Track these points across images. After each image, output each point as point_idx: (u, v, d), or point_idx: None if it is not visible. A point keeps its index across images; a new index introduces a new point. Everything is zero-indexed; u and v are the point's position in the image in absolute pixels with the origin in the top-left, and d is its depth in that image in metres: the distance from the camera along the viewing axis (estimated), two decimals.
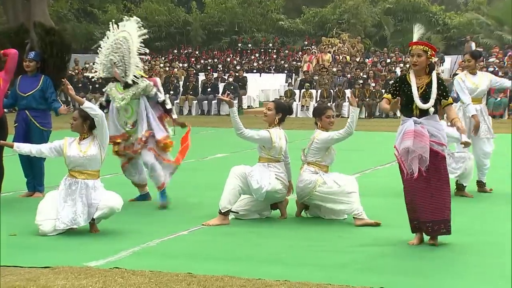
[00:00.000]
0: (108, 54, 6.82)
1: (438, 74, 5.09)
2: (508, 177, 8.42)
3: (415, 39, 5.16)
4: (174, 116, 7.10)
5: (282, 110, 6.16)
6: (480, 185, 7.71)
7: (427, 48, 5.07)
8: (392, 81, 5.37)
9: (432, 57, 5.09)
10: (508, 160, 9.67)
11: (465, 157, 7.41)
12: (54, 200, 5.55)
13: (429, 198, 5.03)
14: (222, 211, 5.94)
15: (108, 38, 6.93)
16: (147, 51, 7.05)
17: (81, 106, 5.62)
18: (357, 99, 20.94)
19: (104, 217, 5.53)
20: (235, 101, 22.06)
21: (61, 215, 5.44)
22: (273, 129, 6.08)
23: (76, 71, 25.10)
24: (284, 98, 21.79)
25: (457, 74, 22.08)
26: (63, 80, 6.02)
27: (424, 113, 5.04)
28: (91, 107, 5.62)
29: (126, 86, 6.84)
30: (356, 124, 5.96)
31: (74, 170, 5.57)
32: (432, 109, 5.03)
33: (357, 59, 25.03)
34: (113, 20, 7.15)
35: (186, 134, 7.26)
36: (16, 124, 7.27)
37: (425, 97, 5.03)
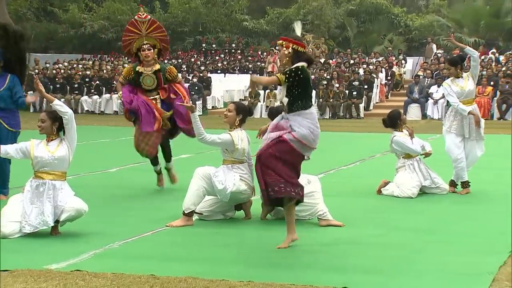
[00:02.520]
0: None
1: (293, 67, 5.01)
2: (488, 177, 8.57)
3: (297, 33, 5.38)
4: None
5: (242, 112, 6.17)
6: (452, 184, 7.83)
7: (282, 41, 5.17)
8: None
9: (287, 48, 5.06)
10: (490, 161, 9.81)
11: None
12: (18, 203, 5.44)
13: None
14: (186, 212, 5.91)
15: None
16: None
17: (51, 104, 5.53)
18: (320, 99, 21.18)
19: (71, 219, 5.45)
20: (199, 102, 22.02)
21: (30, 218, 5.34)
22: (234, 131, 6.07)
23: (37, 70, 24.68)
24: (249, 99, 21.82)
25: (418, 75, 22.64)
26: (34, 77, 5.94)
27: (292, 109, 5.05)
28: (61, 104, 5.56)
29: None
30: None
31: (41, 171, 5.48)
32: (285, 100, 5.03)
33: (321, 60, 25.22)
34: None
35: None
36: None
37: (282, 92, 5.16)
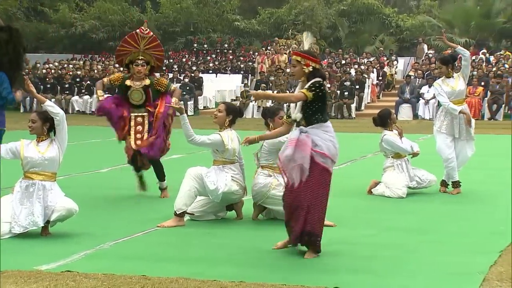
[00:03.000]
0: None
1: (314, 82, 4.92)
2: (479, 177, 8.61)
3: (305, 47, 5.22)
4: None
5: (232, 112, 6.16)
6: (443, 184, 7.86)
7: (301, 58, 5.01)
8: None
9: (307, 67, 4.97)
10: (481, 161, 9.83)
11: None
12: (7, 204, 5.40)
13: (295, 209, 4.87)
14: (178, 213, 5.89)
15: None
16: None
17: (42, 105, 5.50)
18: None
19: (62, 219, 5.42)
20: (191, 102, 21.99)
21: (19, 219, 5.31)
22: (224, 132, 6.06)
23: (27, 70, 24.55)
24: (241, 99, 21.80)
25: (410, 75, 22.69)
26: (24, 77, 5.91)
27: (310, 122, 4.92)
28: (52, 105, 5.53)
29: None
30: None
31: (31, 171, 5.44)
32: (298, 116, 4.92)
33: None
34: None
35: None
36: None
37: (296, 108, 4.98)
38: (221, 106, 6.22)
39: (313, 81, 4.94)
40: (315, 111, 4.93)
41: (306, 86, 4.93)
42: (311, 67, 4.97)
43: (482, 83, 20.66)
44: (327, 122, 4.99)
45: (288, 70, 23.67)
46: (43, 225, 5.38)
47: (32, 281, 4.15)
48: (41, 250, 4.98)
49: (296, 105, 5.00)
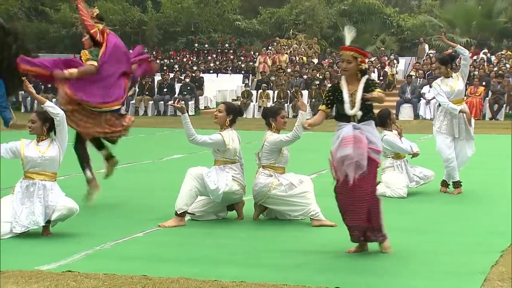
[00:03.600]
0: None
1: (368, 79, 4.98)
2: (479, 177, 8.59)
3: (347, 42, 5.06)
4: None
5: (232, 112, 6.16)
6: (444, 184, 7.85)
7: (357, 54, 4.97)
8: (326, 91, 5.23)
9: (363, 64, 4.98)
10: (482, 161, 9.83)
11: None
12: (8, 204, 5.41)
13: (351, 204, 4.90)
14: (178, 213, 5.89)
15: None
16: None
17: (42, 105, 5.50)
18: (313, 99, 21.18)
19: (62, 218, 5.42)
20: (192, 102, 21.99)
21: (20, 218, 5.32)
22: (225, 131, 6.06)
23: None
24: (241, 99, 21.79)
25: (411, 75, 22.67)
26: (22, 79, 5.92)
27: (362, 119, 4.93)
28: (53, 106, 5.53)
29: None
30: (303, 127, 5.98)
31: (32, 171, 5.44)
32: (359, 113, 4.91)
33: (314, 60, 25.24)
34: None
35: None
36: None
37: (355, 103, 4.93)
38: (221, 106, 6.23)
39: (370, 78, 5.00)
40: (369, 108, 4.98)
41: (375, 87, 4.91)
42: (361, 59, 4.96)
43: (484, 83, 20.63)
44: (374, 120, 5.07)
45: (289, 70, 23.70)
46: (44, 224, 5.39)
47: (33, 281, 4.15)
48: (42, 250, 4.99)
49: (354, 101, 4.90)
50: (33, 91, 5.68)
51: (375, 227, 4.93)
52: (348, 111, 4.91)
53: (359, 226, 4.90)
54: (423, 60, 25.27)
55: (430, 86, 20.11)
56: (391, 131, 7.73)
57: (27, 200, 5.38)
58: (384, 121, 7.74)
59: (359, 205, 4.87)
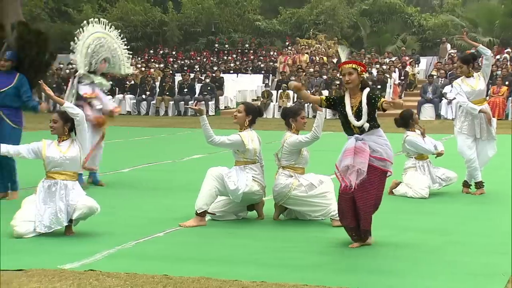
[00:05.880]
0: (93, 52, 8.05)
1: (370, 91, 5.17)
2: (499, 178, 8.51)
3: (343, 59, 5.40)
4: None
5: (252, 112, 6.16)
6: (466, 185, 7.78)
7: (356, 66, 5.20)
8: (335, 94, 5.64)
9: (363, 73, 5.21)
10: (505, 161, 9.74)
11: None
12: (31, 204, 5.47)
13: (351, 207, 5.14)
14: (198, 212, 5.92)
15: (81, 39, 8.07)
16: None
17: (61, 107, 5.56)
18: None
19: (83, 217, 5.47)
20: (212, 102, 22.05)
21: (43, 218, 5.38)
22: (244, 132, 6.07)
23: (51, 71, 24.79)
24: (261, 99, 21.80)
25: (432, 75, 22.49)
26: (39, 82, 6.01)
27: (365, 129, 5.13)
28: (72, 106, 5.59)
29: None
30: (322, 128, 6.01)
31: (53, 171, 5.51)
32: (366, 125, 5.11)
33: (334, 60, 25.15)
34: (91, 20, 8.27)
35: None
36: None
37: (359, 115, 5.13)
38: (241, 106, 6.24)
39: (371, 91, 5.18)
40: (371, 118, 5.16)
41: (378, 98, 5.13)
42: (363, 74, 5.18)
43: (507, 83, 20.39)
44: (379, 127, 5.23)
45: (311, 69, 23.63)
46: (67, 224, 5.44)
47: (56, 279, 4.20)
48: (65, 250, 5.04)
49: (357, 111, 5.12)
50: (51, 93, 5.73)
51: (369, 229, 5.19)
52: (355, 123, 5.14)
53: (348, 226, 5.21)
54: (445, 60, 25.05)
55: (452, 86, 20.01)
56: (414, 131, 7.68)
57: (49, 200, 5.44)
58: (407, 121, 7.69)
59: (365, 214, 5.12)
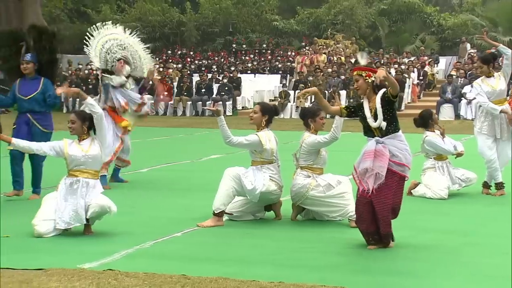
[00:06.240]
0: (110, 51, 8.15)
1: (385, 91, 5.13)
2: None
3: (362, 64, 5.43)
4: None
5: (268, 112, 6.16)
6: (486, 185, 7.71)
7: (361, 71, 5.23)
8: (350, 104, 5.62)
9: (369, 78, 5.18)
10: None
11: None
12: (52, 201, 5.52)
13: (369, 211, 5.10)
14: (216, 212, 5.93)
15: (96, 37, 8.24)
16: None
17: (83, 102, 5.62)
18: (351, 99, 21.03)
19: (96, 216, 5.50)
20: (229, 102, 22.08)
21: (63, 214, 5.42)
22: (262, 132, 6.07)
23: (70, 72, 25.01)
24: (279, 99, 21.78)
25: (452, 75, 22.30)
26: (65, 85, 6.12)
27: (386, 132, 5.12)
28: (94, 104, 5.65)
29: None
30: (341, 128, 6.00)
31: (75, 169, 5.56)
32: (383, 124, 5.09)
33: (352, 60, 25.05)
34: (108, 23, 8.38)
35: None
36: (15, 126, 7.24)
37: (377, 116, 5.14)
38: (256, 107, 6.25)
39: (386, 91, 5.11)
40: (390, 119, 5.13)
41: (388, 93, 5.09)
42: (373, 77, 5.13)
43: None
44: (400, 131, 5.20)
45: (329, 70, 23.57)
46: (85, 222, 5.48)
47: (75, 279, 4.23)
48: (84, 249, 5.08)
49: (375, 113, 5.12)
50: (76, 89, 5.82)
51: (390, 233, 5.16)
52: (372, 124, 5.14)
53: (365, 230, 5.17)
54: (465, 60, 24.84)
55: (471, 86, 19.86)
56: (433, 131, 7.62)
57: (70, 197, 5.49)
58: (426, 121, 7.64)
59: (384, 218, 5.08)
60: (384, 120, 5.10)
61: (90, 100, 5.64)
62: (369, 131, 5.21)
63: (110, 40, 8.24)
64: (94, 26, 8.40)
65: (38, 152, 5.84)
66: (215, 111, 6.10)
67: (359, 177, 5.11)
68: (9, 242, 5.25)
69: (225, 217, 6.07)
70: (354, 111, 5.37)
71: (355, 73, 5.30)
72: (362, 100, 5.31)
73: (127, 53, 8.35)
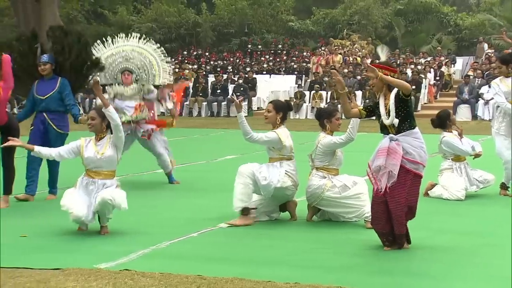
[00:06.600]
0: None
1: (399, 90, 5.10)
2: None
3: (382, 59, 5.39)
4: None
5: (281, 109, 6.15)
6: (503, 187, 7.64)
7: (377, 69, 5.17)
8: (367, 104, 5.53)
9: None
10: None
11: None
12: (70, 195, 5.54)
13: (384, 210, 5.07)
14: (237, 211, 5.93)
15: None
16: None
17: (103, 109, 5.61)
18: (367, 100, 20.95)
19: (101, 209, 5.46)
20: (245, 103, 22.10)
21: (79, 208, 5.42)
22: (279, 129, 6.07)
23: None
24: (294, 100, 21.76)
25: (469, 75, 22.13)
26: (89, 80, 6.14)
27: (400, 129, 5.08)
28: (113, 112, 5.61)
29: None
30: (357, 129, 5.98)
31: (91, 170, 5.60)
32: (396, 121, 5.06)
33: (368, 61, 24.94)
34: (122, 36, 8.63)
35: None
36: (33, 127, 7.26)
37: (390, 113, 5.11)
38: (269, 106, 6.24)
39: (399, 93, 5.08)
40: (404, 117, 5.09)
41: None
42: (388, 75, 5.10)
43: None
44: (416, 129, 5.14)
45: (344, 70, 23.50)
46: (93, 222, 5.50)
47: (92, 279, 4.26)
48: (100, 249, 5.11)
49: (389, 110, 5.10)
50: (101, 93, 5.83)
51: (405, 233, 5.13)
52: (385, 121, 5.13)
53: (380, 231, 5.15)
54: (482, 60, 24.64)
55: (489, 86, 19.68)
56: (451, 132, 7.57)
57: (85, 195, 5.53)
58: (444, 122, 7.59)
59: (398, 218, 5.05)
60: (397, 117, 5.07)
61: (111, 108, 5.61)
62: (384, 129, 5.20)
63: (115, 54, 8.34)
64: (105, 39, 8.46)
65: (58, 159, 5.86)
66: (238, 105, 6.08)
67: (373, 174, 5.09)
68: (26, 241, 5.30)
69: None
70: (372, 111, 5.37)
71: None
72: (378, 98, 5.30)
73: (130, 64, 8.37)
